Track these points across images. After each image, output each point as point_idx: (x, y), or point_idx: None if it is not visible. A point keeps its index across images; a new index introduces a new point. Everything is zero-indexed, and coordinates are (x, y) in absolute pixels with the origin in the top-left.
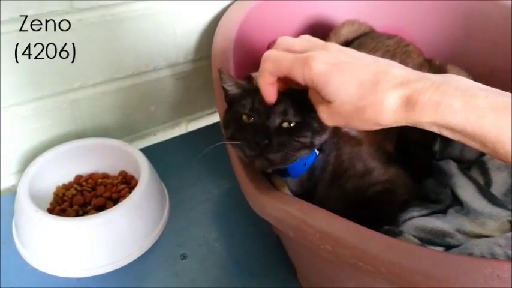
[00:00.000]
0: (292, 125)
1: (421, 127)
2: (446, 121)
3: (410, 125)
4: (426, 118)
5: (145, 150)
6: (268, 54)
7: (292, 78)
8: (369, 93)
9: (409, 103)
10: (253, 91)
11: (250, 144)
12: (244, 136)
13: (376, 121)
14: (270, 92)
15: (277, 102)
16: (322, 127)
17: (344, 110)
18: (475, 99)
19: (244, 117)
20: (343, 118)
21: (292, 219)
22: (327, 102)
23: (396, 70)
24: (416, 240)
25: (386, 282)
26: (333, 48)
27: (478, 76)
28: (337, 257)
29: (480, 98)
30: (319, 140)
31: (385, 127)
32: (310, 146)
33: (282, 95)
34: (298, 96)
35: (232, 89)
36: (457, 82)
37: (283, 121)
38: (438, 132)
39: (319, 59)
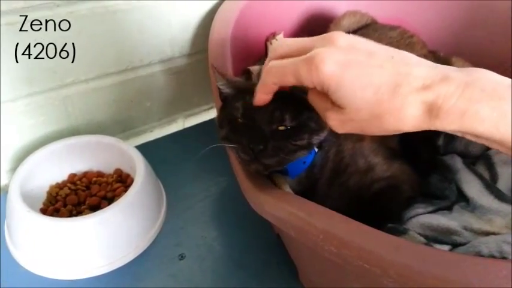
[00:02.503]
0: (288, 127)
1: (443, 131)
2: (472, 129)
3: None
4: (451, 126)
5: (141, 148)
6: (270, 66)
7: (301, 84)
8: (387, 98)
9: (432, 110)
10: (246, 91)
11: (244, 149)
12: (238, 139)
13: (397, 128)
14: (264, 100)
15: (273, 104)
16: (321, 126)
17: (359, 117)
18: (502, 104)
19: (240, 120)
20: (357, 125)
21: (294, 218)
22: (337, 108)
23: (416, 69)
24: (422, 238)
25: (395, 285)
26: (342, 41)
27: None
28: (342, 258)
29: (508, 101)
30: (317, 139)
31: (402, 132)
32: (308, 147)
33: (277, 95)
34: (294, 96)
35: (225, 88)
36: (483, 81)
37: (279, 126)
38: (460, 136)
39: (328, 57)
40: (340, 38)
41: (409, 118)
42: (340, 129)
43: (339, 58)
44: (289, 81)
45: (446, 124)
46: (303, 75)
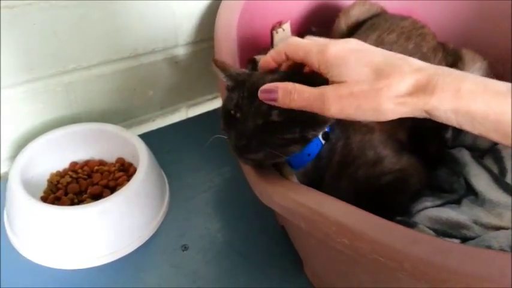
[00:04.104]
0: (278, 121)
1: (438, 119)
2: (467, 107)
3: (426, 113)
4: (445, 104)
5: (143, 137)
6: (290, 39)
7: (307, 61)
8: (387, 74)
9: (428, 85)
10: (242, 84)
11: (231, 143)
12: (228, 133)
13: (392, 107)
14: (269, 64)
15: (261, 101)
16: (317, 121)
17: (358, 89)
18: (494, 85)
19: (232, 111)
20: (354, 101)
21: (305, 210)
22: (336, 84)
23: (413, 60)
24: (431, 232)
25: (410, 279)
26: (353, 42)
27: (494, 61)
28: (355, 251)
29: (500, 85)
30: (313, 134)
31: (397, 116)
32: (302, 141)
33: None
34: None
35: (226, 81)
36: (473, 74)
37: (266, 120)
38: (456, 125)
39: (337, 45)
40: (352, 40)
41: (405, 93)
42: (336, 104)
43: (346, 46)
44: (298, 56)
45: (441, 102)
46: (312, 54)
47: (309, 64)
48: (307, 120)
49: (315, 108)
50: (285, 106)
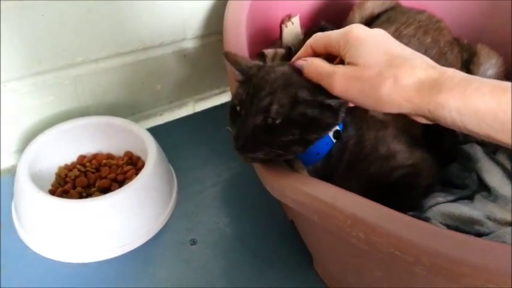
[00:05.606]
0: (277, 122)
1: (442, 120)
2: (475, 105)
3: (430, 113)
4: (452, 102)
5: (151, 131)
6: (317, 33)
7: (329, 47)
8: (399, 64)
9: (435, 83)
10: (250, 79)
11: (233, 140)
12: (232, 130)
13: (393, 99)
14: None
15: (264, 95)
16: (320, 124)
17: (368, 74)
18: (502, 84)
19: (237, 107)
20: (360, 85)
21: (319, 203)
22: (352, 64)
23: (428, 59)
24: (444, 227)
25: (427, 273)
26: (379, 30)
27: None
28: (371, 245)
29: (507, 84)
30: (315, 136)
31: (397, 110)
32: (304, 143)
33: (271, 87)
34: (289, 90)
35: (237, 74)
36: (479, 77)
37: (265, 118)
38: (461, 126)
39: (363, 27)
40: (378, 29)
41: (410, 87)
42: (342, 83)
43: (370, 31)
44: (322, 43)
45: (449, 98)
46: (333, 37)
47: (331, 49)
48: (308, 123)
49: (325, 83)
50: (308, 75)
